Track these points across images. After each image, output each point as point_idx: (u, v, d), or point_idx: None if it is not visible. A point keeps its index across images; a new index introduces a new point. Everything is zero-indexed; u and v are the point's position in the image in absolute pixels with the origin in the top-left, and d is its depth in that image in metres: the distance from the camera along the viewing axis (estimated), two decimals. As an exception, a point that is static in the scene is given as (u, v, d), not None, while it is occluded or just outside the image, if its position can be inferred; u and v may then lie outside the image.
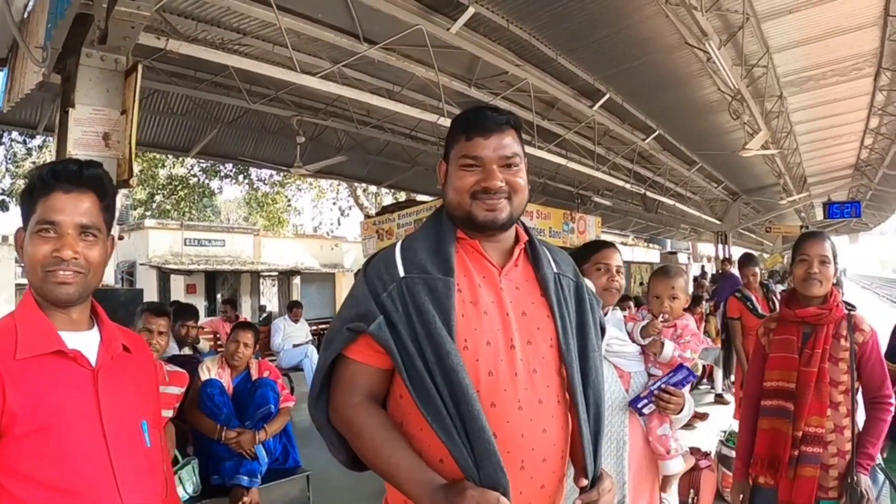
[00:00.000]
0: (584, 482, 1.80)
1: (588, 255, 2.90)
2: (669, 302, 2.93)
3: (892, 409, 3.02)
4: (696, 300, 11.28)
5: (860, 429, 3.04)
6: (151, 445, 1.78)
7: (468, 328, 1.74)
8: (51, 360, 1.62)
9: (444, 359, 1.66)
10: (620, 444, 2.67)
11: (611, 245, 2.99)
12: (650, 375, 2.82)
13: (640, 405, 2.68)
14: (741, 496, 3.21)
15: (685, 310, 3.04)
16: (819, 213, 23.03)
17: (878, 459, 3.07)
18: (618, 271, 2.86)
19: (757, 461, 3.13)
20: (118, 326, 1.87)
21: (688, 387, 2.77)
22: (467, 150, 1.85)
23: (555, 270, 1.95)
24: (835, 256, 3.11)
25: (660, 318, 2.88)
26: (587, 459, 1.81)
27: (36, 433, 1.55)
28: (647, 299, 3.11)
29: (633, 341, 2.86)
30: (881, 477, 3.11)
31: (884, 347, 3.32)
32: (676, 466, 2.75)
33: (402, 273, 1.77)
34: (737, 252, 28.68)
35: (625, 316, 3.03)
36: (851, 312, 3.11)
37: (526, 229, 1.99)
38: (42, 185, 1.68)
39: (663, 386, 2.67)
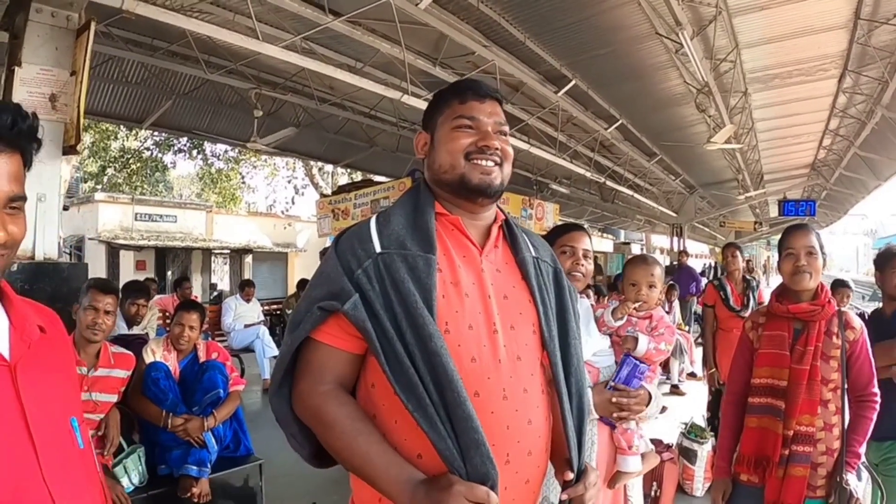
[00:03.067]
0: (570, 475, 1.71)
1: (552, 237, 2.76)
2: (647, 290, 2.81)
3: (877, 405, 2.97)
4: (671, 287, 11.37)
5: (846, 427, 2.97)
6: (84, 447, 1.44)
7: (449, 310, 1.63)
8: None
9: (426, 341, 1.54)
10: (589, 444, 2.51)
11: (579, 227, 2.88)
12: None
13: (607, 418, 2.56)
14: (722, 494, 3.10)
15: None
16: (774, 210, 23.44)
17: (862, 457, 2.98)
18: (584, 255, 2.73)
19: (742, 459, 3.03)
20: (26, 301, 1.46)
21: (649, 379, 2.66)
22: (463, 111, 1.80)
23: (533, 255, 1.88)
24: (821, 248, 3.01)
25: (635, 306, 2.78)
26: (572, 452, 1.72)
27: None
28: (621, 287, 2.98)
29: (602, 328, 2.75)
30: (865, 475, 3.02)
31: None
32: (634, 465, 2.62)
33: (378, 248, 1.66)
34: (690, 245, 29.17)
35: (591, 305, 2.89)
36: (842, 309, 3.03)
37: (502, 211, 1.92)
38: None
39: (613, 385, 2.55)
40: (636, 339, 2.69)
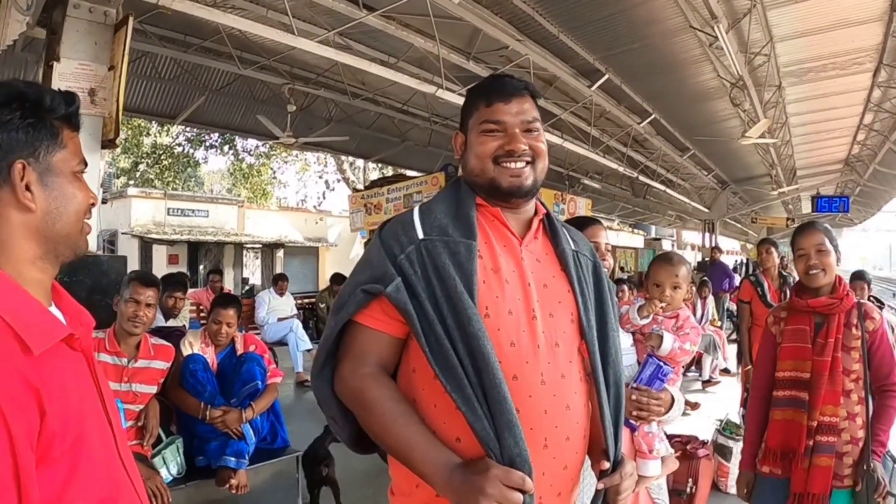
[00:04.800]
0: (607, 465, 1.72)
1: None
2: (671, 291, 2.77)
3: None
4: (703, 283, 11.23)
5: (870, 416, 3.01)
6: (127, 420, 1.56)
7: (490, 295, 1.65)
8: (58, 351, 1.23)
9: (465, 325, 1.56)
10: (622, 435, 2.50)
11: (597, 221, 2.86)
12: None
13: (627, 420, 2.50)
14: (747, 486, 3.17)
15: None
16: (806, 206, 23.12)
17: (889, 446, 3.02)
18: (606, 249, 2.70)
19: (768, 452, 3.07)
20: (66, 292, 1.43)
21: (672, 381, 2.61)
22: (488, 116, 1.80)
23: (573, 248, 1.89)
24: (833, 243, 3.08)
25: (662, 305, 2.74)
26: (609, 441, 1.73)
27: (72, 448, 1.19)
28: (645, 286, 2.94)
29: (626, 325, 2.71)
30: (890, 463, 3.05)
31: None
32: (654, 469, 2.56)
33: (421, 235, 1.69)
34: (721, 241, 28.86)
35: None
36: (861, 301, 3.10)
37: (544, 205, 1.94)
38: (71, 117, 1.34)
39: (634, 386, 2.51)
40: (661, 338, 2.64)
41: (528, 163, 1.79)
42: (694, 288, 11.31)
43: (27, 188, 1.25)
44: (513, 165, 1.77)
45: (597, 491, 1.72)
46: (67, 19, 4.11)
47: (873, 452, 2.90)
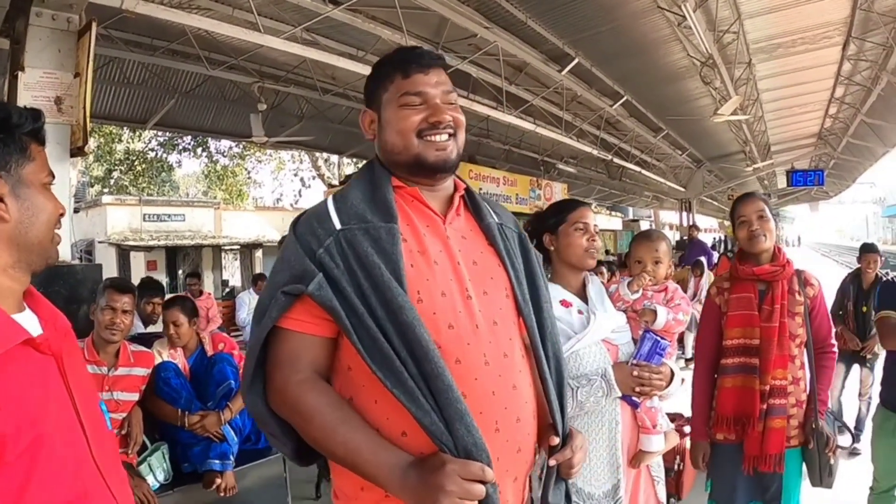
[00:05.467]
0: (556, 440, 1.68)
1: (564, 214, 2.70)
2: (653, 266, 2.78)
3: (836, 355, 3.26)
4: (697, 264, 11.26)
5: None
6: (112, 428, 1.59)
7: (420, 279, 1.58)
8: (18, 354, 1.26)
9: (396, 314, 1.49)
10: (613, 423, 2.50)
11: (586, 203, 2.82)
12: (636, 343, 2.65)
13: (631, 397, 2.53)
14: (703, 455, 3.24)
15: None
16: (782, 181, 23.31)
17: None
18: (596, 231, 2.69)
19: (721, 420, 3.16)
20: (47, 300, 1.49)
21: (669, 355, 2.61)
22: (408, 87, 1.70)
23: (497, 221, 1.83)
24: (771, 212, 3.21)
25: (648, 280, 2.75)
26: (556, 416, 1.69)
27: (28, 451, 1.22)
28: (628, 264, 2.96)
29: (618, 303, 2.70)
30: (831, 418, 3.23)
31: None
32: (658, 444, 2.57)
33: (338, 225, 1.60)
34: (700, 219, 29.07)
35: (602, 282, 2.84)
36: (800, 269, 3.26)
37: (462, 180, 1.89)
38: (37, 132, 1.41)
39: (634, 363, 2.51)
40: (654, 312, 2.64)
41: (450, 134, 1.73)
42: (689, 268, 11.39)
43: (1, 199, 1.30)
44: (437, 138, 1.70)
45: (549, 467, 1.69)
46: (30, 28, 4.04)
47: (818, 411, 3.08)
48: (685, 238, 17.59)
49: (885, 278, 5.57)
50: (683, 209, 24.44)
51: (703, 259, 12.02)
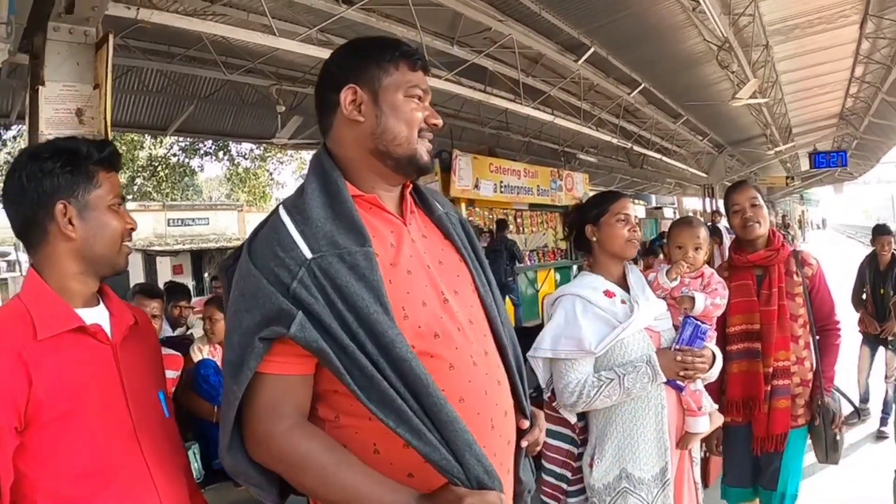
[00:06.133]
0: (526, 423, 1.70)
1: (606, 205, 2.77)
2: (693, 252, 2.84)
3: (841, 333, 3.33)
4: (714, 231, 11.26)
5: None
6: (169, 416, 1.79)
7: (401, 294, 1.50)
8: (71, 338, 1.56)
9: (389, 349, 1.40)
10: (659, 408, 2.59)
11: (624, 195, 2.88)
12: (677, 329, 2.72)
13: (675, 381, 2.60)
14: (715, 440, 3.28)
15: None
16: (805, 164, 23.09)
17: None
18: (636, 221, 2.77)
19: (730, 404, 3.22)
20: (122, 300, 1.80)
21: (710, 339, 2.69)
22: (417, 81, 1.63)
23: (443, 210, 1.79)
24: (763, 199, 3.30)
25: (686, 267, 2.81)
26: (522, 399, 1.70)
27: (63, 417, 1.50)
28: (667, 250, 3.05)
29: (657, 290, 2.78)
30: (837, 396, 3.33)
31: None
32: (703, 425, 2.65)
33: (308, 254, 1.44)
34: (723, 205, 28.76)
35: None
36: (797, 249, 3.37)
37: None
38: (104, 161, 1.68)
39: (677, 348, 2.59)
40: (692, 299, 2.72)
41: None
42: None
43: (69, 222, 1.61)
44: (429, 141, 1.66)
45: (519, 448, 1.70)
46: (48, 42, 4.10)
47: (824, 389, 3.18)
48: (708, 224, 17.48)
49: None
50: (706, 195, 24.27)
51: (721, 228, 12.02)
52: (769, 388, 3.12)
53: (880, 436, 5.81)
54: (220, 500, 3.93)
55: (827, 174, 28.06)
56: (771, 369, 3.12)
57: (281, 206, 1.58)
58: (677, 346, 2.59)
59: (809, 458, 3.36)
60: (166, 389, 1.82)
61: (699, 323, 2.61)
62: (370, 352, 1.40)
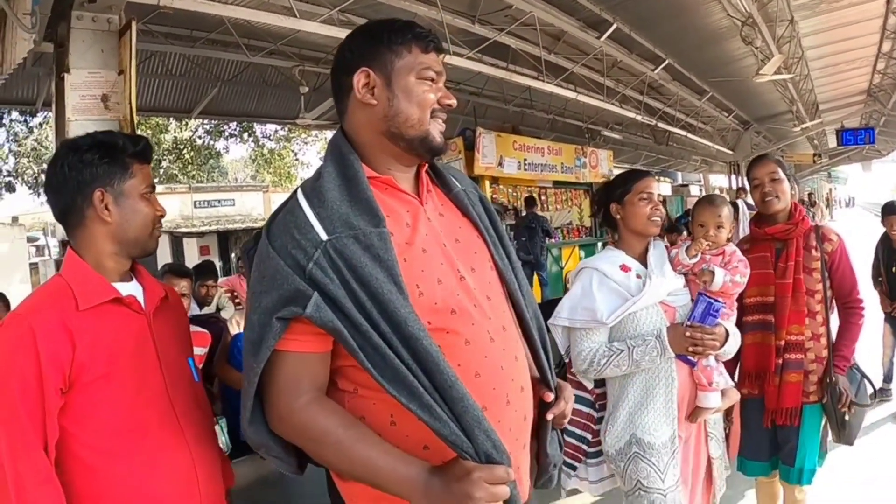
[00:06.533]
0: (551, 396, 1.70)
1: (629, 184, 2.84)
2: (715, 231, 2.87)
3: (864, 312, 3.28)
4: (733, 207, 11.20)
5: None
6: (199, 380, 2.01)
7: (415, 272, 1.54)
8: (109, 309, 1.79)
9: (401, 327, 1.44)
10: (669, 380, 2.66)
11: (648, 173, 2.93)
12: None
13: (685, 356, 2.66)
14: (732, 412, 3.28)
15: None
16: (832, 141, 22.72)
17: (854, 360, 3.27)
18: (659, 200, 2.82)
19: (745, 375, 3.28)
20: (152, 277, 2.02)
21: (726, 316, 2.74)
22: (431, 63, 1.65)
23: (461, 187, 1.81)
24: (785, 173, 3.27)
25: (706, 244, 2.84)
26: (546, 373, 1.73)
27: (103, 378, 1.71)
28: (691, 228, 3.08)
29: (677, 267, 2.82)
30: (858, 375, 3.29)
31: None
32: (713, 401, 2.70)
33: (323, 235, 1.49)
34: (750, 181, 28.42)
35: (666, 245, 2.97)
36: (819, 224, 3.36)
37: None
38: (139, 154, 1.89)
39: (688, 324, 2.64)
40: (713, 273, 2.75)
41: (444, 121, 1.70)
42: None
43: (106, 207, 1.81)
44: (442, 121, 1.67)
45: (545, 421, 1.72)
46: (72, 31, 4.19)
47: (836, 367, 3.17)
48: (734, 202, 17.32)
49: None
50: (732, 172, 24.02)
51: (739, 203, 11.91)
52: (780, 362, 3.15)
53: None
54: (249, 473, 4.02)
55: (855, 151, 27.66)
56: (783, 342, 3.14)
57: (299, 189, 1.62)
58: (688, 323, 2.64)
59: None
60: (194, 357, 2.02)
61: (712, 300, 2.64)
62: (384, 330, 1.44)
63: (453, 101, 1.68)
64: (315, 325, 1.45)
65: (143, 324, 1.85)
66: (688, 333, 2.59)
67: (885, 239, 6.43)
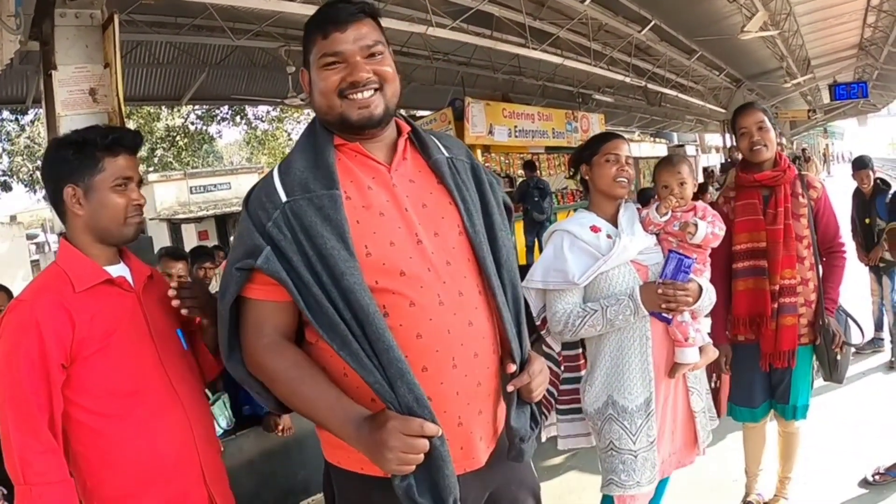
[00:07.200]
0: (513, 367, 1.72)
1: (597, 145, 2.85)
2: (679, 188, 2.88)
3: (846, 255, 3.39)
4: (702, 187, 11.29)
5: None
6: (188, 349, 2.15)
7: (366, 233, 1.64)
8: (102, 289, 1.96)
9: (339, 279, 1.57)
10: (644, 339, 2.70)
11: (618, 136, 2.93)
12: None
13: (660, 314, 2.69)
14: (725, 357, 3.37)
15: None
16: (825, 96, 22.60)
17: (839, 302, 3.38)
18: (627, 162, 2.80)
19: (737, 321, 3.35)
20: (137, 258, 2.18)
21: (699, 272, 2.78)
22: (326, 48, 1.70)
23: (446, 155, 1.86)
24: (771, 122, 3.31)
25: (674, 201, 2.84)
26: (512, 343, 1.73)
27: (101, 351, 1.89)
28: (656, 191, 3.05)
29: (649, 227, 2.84)
30: (843, 316, 3.43)
31: None
32: (691, 356, 2.72)
33: (284, 198, 1.66)
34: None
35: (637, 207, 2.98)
36: (803, 172, 3.40)
37: (407, 120, 1.90)
38: (111, 147, 1.98)
39: (660, 282, 2.67)
40: (696, 225, 2.76)
41: (376, 90, 1.72)
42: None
43: (78, 202, 1.97)
44: (359, 96, 1.70)
45: (508, 392, 1.74)
46: (56, 28, 4.24)
47: (827, 309, 3.27)
48: (728, 160, 17.34)
49: (890, 191, 5.64)
50: (726, 131, 23.96)
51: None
52: (776, 306, 3.22)
53: (892, 366, 5.91)
54: (250, 446, 4.11)
55: (850, 106, 27.48)
56: (777, 287, 3.21)
57: (278, 163, 1.83)
58: (661, 280, 2.68)
59: (820, 380, 3.51)
60: (183, 327, 2.17)
61: (683, 257, 2.68)
62: (325, 282, 1.59)
63: (358, 76, 1.70)
64: (266, 275, 1.62)
65: (134, 300, 2.02)
66: (660, 290, 2.63)
67: (857, 192, 6.56)
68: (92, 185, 1.97)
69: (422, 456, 1.54)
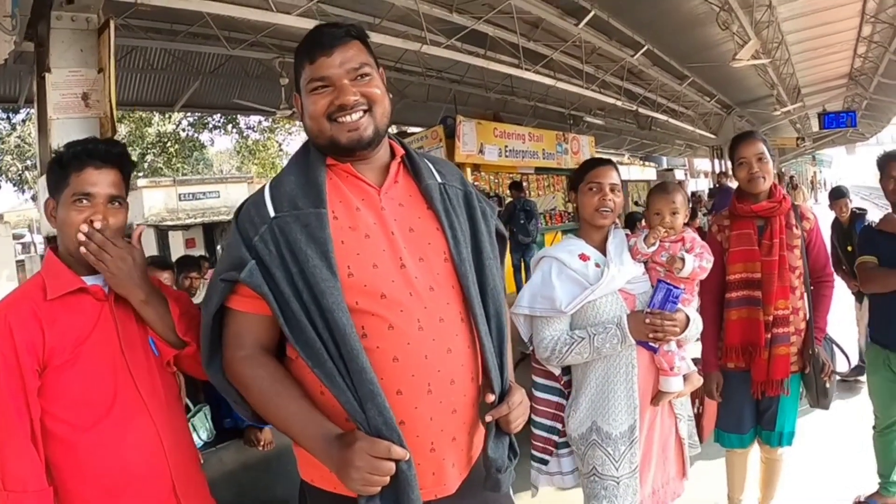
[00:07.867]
0: (492, 397, 1.69)
1: (583, 173, 2.83)
2: (670, 217, 2.86)
3: (834, 284, 3.44)
4: (692, 213, 11.36)
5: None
6: (158, 355, 2.08)
7: (350, 254, 1.65)
8: (75, 298, 1.94)
9: (319, 299, 1.58)
10: (630, 368, 2.68)
11: (606, 162, 2.89)
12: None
13: (647, 343, 2.68)
14: (716, 384, 3.37)
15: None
16: (815, 124, 22.80)
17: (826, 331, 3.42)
18: (612, 190, 2.77)
19: (729, 350, 3.35)
20: None
21: (687, 302, 2.76)
22: (313, 73, 1.73)
23: (439, 181, 1.86)
24: (770, 153, 3.35)
25: (663, 232, 2.82)
26: (492, 373, 1.72)
27: (71, 360, 1.88)
28: (646, 216, 3.04)
29: (637, 255, 2.81)
30: (829, 345, 3.47)
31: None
32: (675, 385, 2.72)
33: (272, 213, 1.68)
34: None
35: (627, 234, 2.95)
36: (796, 203, 3.41)
37: (402, 143, 1.91)
38: (76, 161, 1.96)
39: (648, 311, 2.66)
40: (683, 260, 2.73)
41: (364, 111, 1.73)
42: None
43: (52, 216, 2.01)
44: (348, 119, 1.72)
45: (487, 423, 1.71)
46: (52, 31, 4.23)
47: (815, 338, 3.30)
48: (717, 185, 17.45)
49: (865, 220, 5.71)
50: (715, 156, 24.14)
51: (725, 204, 12.02)
52: (769, 336, 3.22)
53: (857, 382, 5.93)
54: (231, 458, 4.09)
55: (839, 135, 27.76)
56: (771, 318, 3.22)
57: (271, 179, 1.84)
58: (648, 310, 2.67)
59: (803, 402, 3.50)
60: (152, 335, 2.11)
61: (672, 287, 2.68)
62: (305, 300, 1.60)
63: (345, 99, 1.72)
64: (249, 288, 1.64)
65: (106, 309, 1.99)
66: (647, 320, 2.62)
67: (836, 222, 6.63)
68: (60, 200, 1.98)
69: (387, 478, 1.54)
